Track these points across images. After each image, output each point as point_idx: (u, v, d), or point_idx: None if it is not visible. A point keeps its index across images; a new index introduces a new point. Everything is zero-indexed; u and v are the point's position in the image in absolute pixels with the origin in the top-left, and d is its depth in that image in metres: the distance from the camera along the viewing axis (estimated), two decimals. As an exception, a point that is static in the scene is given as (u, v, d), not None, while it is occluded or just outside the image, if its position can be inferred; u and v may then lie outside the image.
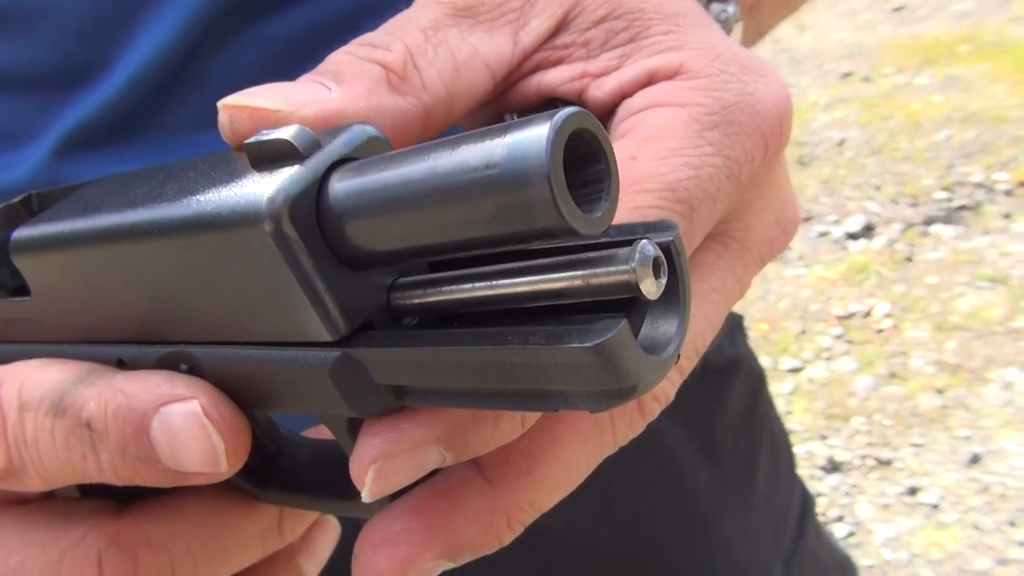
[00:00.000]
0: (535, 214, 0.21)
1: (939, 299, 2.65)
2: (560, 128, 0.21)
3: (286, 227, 0.24)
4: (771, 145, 0.31)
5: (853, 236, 3.00)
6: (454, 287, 0.25)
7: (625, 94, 0.32)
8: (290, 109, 0.28)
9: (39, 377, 0.30)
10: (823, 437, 2.28)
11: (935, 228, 2.97)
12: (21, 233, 0.32)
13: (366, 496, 0.27)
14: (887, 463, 2.18)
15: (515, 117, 0.33)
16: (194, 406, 0.28)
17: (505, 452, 0.29)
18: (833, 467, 2.20)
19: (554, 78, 0.33)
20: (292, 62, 0.45)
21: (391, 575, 0.28)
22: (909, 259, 2.85)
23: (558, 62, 0.33)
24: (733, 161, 0.30)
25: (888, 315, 2.64)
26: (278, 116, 0.28)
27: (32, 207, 0.35)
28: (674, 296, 0.24)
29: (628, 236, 0.25)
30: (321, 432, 0.37)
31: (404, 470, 0.27)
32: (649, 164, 0.29)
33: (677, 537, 0.64)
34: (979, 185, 3.11)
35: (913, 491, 2.09)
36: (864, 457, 2.21)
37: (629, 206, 0.29)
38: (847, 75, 4.11)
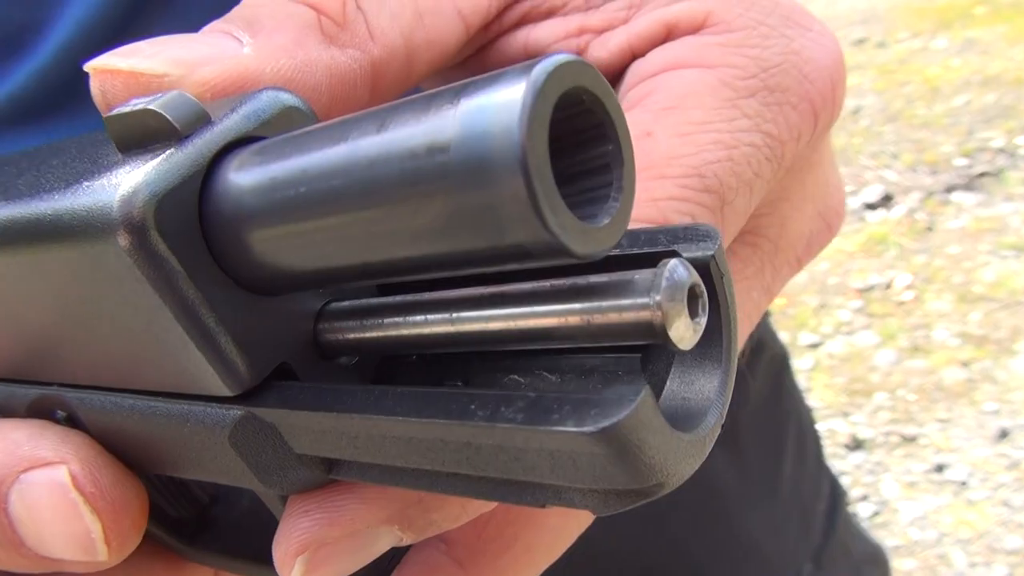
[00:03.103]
0: (503, 223, 0.14)
1: (962, 269, 2.58)
2: (543, 86, 0.14)
3: (152, 238, 0.18)
4: (821, 118, 0.25)
5: (871, 206, 2.94)
6: (400, 319, 0.19)
7: (636, 53, 0.26)
8: (180, 72, 0.22)
9: None
10: (845, 414, 2.23)
11: (956, 196, 2.90)
12: None
13: None
14: (912, 439, 2.12)
15: None
16: (61, 474, 0.21)
17: (478, 525, 0.23)
18: (856, 445, 2.14)
19: (545, 34, 0.26)
20: None
21: None
22: (930, 228, 2.78)
23: (549, 14, 0.26)
24: (775, 139, 0.23)
25: (909, 287, 2.58)
26: (164, 82, 0.22)
27: None
28: (714, 336, 0.18)
29: (646, 249, 0.18)
30: None
31: (345, 557, 0.21)
32: (669, 142, 0.22)
33: (700, 534, 0.60)
34: (1000, 150, 3.04)
35: (940, 468, 2.03)
36: (888, 434, 2.15)
37: (642, 198, 0.22)
38: (861, 41, 4.02)
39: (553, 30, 0.27)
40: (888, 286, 2.61)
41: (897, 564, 1.84)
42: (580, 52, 0.26)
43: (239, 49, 0.22)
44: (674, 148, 0.23)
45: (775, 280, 0.27)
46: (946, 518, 1.91)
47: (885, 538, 1.88)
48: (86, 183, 0.19)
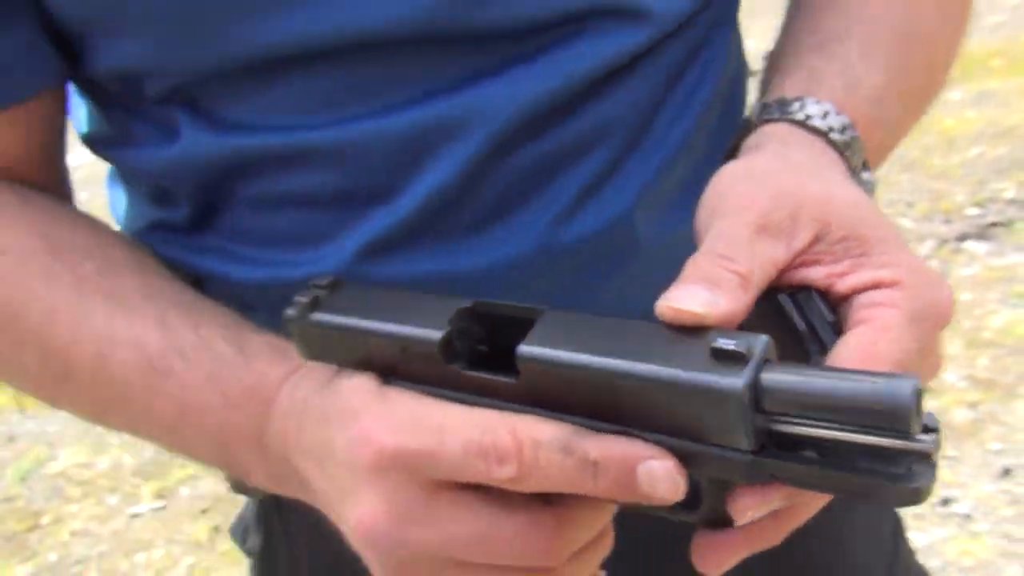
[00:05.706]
0: (896, 427, 0.33)
1: (972, 315, 2.64)
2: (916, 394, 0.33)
3: (747, 404, 0.36)
4: (941, 327, 0.44)
5: (888, 251, 2.98)
6: (820, 428, 0.37)
7: (857, 291, 0.44)
8: (705, 313, 0.39)
9: (542, 427, 0.41)
10: (859, 446, 2.29)
11: (968, 244, 2.95)
12: (538, 350, 0.40)
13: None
14: (921, 473, 2.19)
15: (787, 295, 0.45)
16: (670, 463, 0.39)
17: None
18: (869, 476, 2.21)
19: (812, 274, 0.45)
20: (552, 172, 0.57)
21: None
22: (943, 276, 2.82)
23: (815, 263, 0.45)
24: (925, 346, 0.43)
25: (922, 330, 2.63)
26: (703, 319, 0.39)
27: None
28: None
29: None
30: None
31: None
32: (885, 348, 0.41)
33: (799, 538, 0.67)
34: (1012, 201, 3.07)
35: (946, 501, 2.11)
36: (899, 467, 2.22)
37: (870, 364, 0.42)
38: (881, 88, 4.04)
39: (816, 272, 0.44)
40: (902, 328, 2.67)
41: (904, 588, 1.92)
42: (829, 286, 0.44)
43: (718, 301, 0.39)
44: (885, 352, 0.41)
45: None
46: (951, 548, 1.99)
47: (893, 564, 1.96)
48: (709, 368, 0.36)
